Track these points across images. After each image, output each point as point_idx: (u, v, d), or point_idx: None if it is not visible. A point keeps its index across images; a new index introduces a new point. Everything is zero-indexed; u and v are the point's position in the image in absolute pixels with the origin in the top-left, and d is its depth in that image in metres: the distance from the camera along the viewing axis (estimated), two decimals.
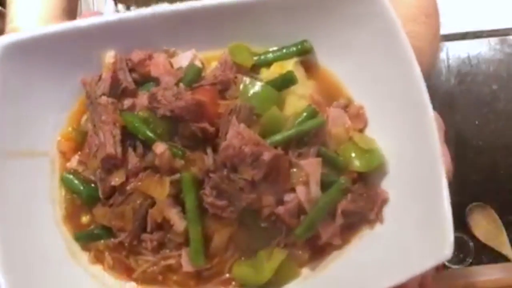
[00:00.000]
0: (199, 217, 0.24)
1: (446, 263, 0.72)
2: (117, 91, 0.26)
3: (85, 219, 0.26)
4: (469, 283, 0.60)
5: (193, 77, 0.26)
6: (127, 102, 0.27)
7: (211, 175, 0.24)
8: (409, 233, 0.24)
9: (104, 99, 0.25)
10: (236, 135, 0.23)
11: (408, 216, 0.25)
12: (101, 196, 0.25)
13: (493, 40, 0.83)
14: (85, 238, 0.26)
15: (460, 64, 0.82)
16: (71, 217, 0.26)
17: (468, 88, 0.81)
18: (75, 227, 0.26)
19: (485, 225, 0.73)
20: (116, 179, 0.25)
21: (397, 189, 0.24)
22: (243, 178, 0.23)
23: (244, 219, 0.24)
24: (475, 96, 0.80)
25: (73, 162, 0.26)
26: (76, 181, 0.26)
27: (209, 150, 0.25)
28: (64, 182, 0.26)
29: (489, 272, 0.68)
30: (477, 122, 0.79)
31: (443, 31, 0.85)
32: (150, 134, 0.25)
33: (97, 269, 0.24)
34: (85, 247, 0.26)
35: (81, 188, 0.26)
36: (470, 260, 0.71)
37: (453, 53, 0.83)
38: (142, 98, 0.26)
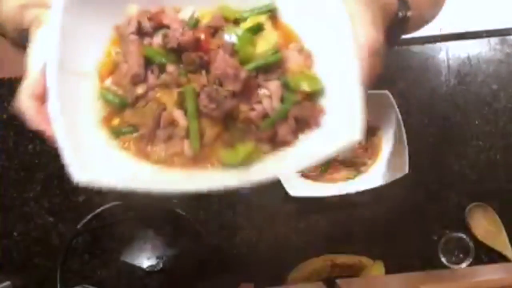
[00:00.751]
0: (196, 117, 0.35)
1: (446, 263, 0.72)
2: (140, 33, 0.37)
3: (115, 121, 0.36)
4: (469, 283, 0.60)
5: (193, 24, 0.37)
6: (146, 40, 0.38)
7: (205, 88, 0.35)
8: (335, 128, 0.35)
9: (132, 36, 0.37)
10: (222, 61, 0.35)
11: (335, 118, 0.36)
12: (129, 101, 0.36)
13: (493, 40, 0.83)
14: (117, 134, 0.36)
15: (460, 64, 0.82)
16: (106, 120, 0.36)
17: (468, 88, 0.81)
18: (108, 127, 0.36)
19: (485, 225, 0.74)
20: (139, 90, 0.36)
21: (329, 103, 0.36)
22: (227, 90, 0.35)
23: (227, 121, 0.35)
24: (475, 96, 0.80)
25: (107, 83, 0.37)
26: (110, 94, 0.36)
27: (203, 72, 0.36)
28: (101, 95, 0.36)
29: (489, 272, 0.68)
30: (477, 122, 0.79)
31: (444, 31, 0.86)
32: (164, 60, 0.37)
33: (126, 154, 0.35)
34: (116, 140, 0.36)
35: (114, 98, 0.36)
36: (470, 260, 0.71)
37: (453, 53, 0.83)
38: (158, 38, 0.37)
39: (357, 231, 0.75)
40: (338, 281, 0.61)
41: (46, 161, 0.79)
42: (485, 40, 0.83)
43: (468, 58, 0.82)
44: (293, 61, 0.37)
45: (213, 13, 0.38)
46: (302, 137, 0.36)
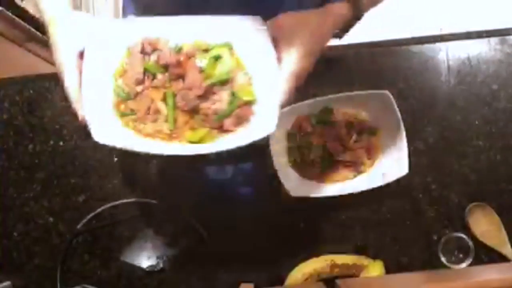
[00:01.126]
0: (173, 109, 0.53)
1: (446, 263, 0.72)
2: (143, 52, 0.56)
3: (122, 107, 0.55)
4: (469, 283, 0.60)
5: (177, 50, 0.56)
6: (146, 57, 0.56)
7: (180, 91, 0.54)
8: (260, 124, 0.52)
9: (137, 54, 0.55)
10: (192, 76, 0.54)
11: (261, 118, 0.53)
12: (132, 95, 0.54)
13: (493, 40, 0.83)
14: (122, 114, 0.54)
15: (460, 64, 0.82)
16: (116, 105, 0.54)
17: (468, 88, 0.81)
18: (117, 110, 0.54)
19: (485, 225, 0.74)
20: (139, 89, 0.55)
21: (258, 108, 0.54)
22: (194, 94, 0.53)
23: (192, 113, 0.54)
24: (475, 96, 0.80)
25: (119, 82, 0.55)
26: (120, 89, 0.55)
27: (180, 80, 0.55)
28: (115, 89, 0.54)
29: (489, 272, 0.68)
30: (477, 122, 0.79)
31: (444, 31, 0.86)
32: (156, 71, 0.55)
33: (127, 128, 0.53)
34: (122, 118, 0.54)
35: (122, 92, 0.55)
36: (470, 260, 0.71)
37: (453, 53, 0.83)
38: (154, 57, 0.56)
39: (357, 231, 0.75)
40: (338, 281, 0.61)
41: (46, 161, 0.80)
42: (485, 40, 0.83)
43: (468, 58, 0.82)
44: (239, 80, 0.55)
45: (191, 45, 0.56)
46: (239, 128, 0.53)
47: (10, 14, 1.26)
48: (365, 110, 0.77)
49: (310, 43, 0.52)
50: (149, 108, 0.54)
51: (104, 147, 0.76)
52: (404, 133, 0.72)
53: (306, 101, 0.75)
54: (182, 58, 0.55)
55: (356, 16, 0.56)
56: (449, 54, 0.83)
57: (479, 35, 0.84)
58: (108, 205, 0.77)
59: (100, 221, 0.77)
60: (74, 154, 0.80)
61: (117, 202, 0.77)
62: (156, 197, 0.77)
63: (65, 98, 0.82)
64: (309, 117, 0.77)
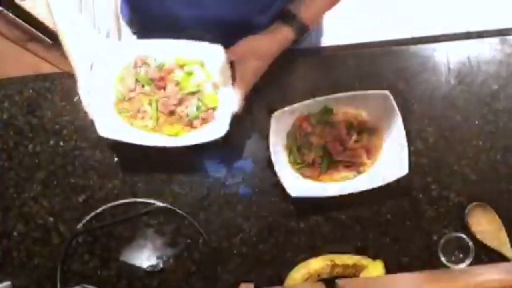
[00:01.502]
0: (156, 111, 0.72)
1: (446, 263, 0.72)
2: (135, 67, 0.74)
3: (120, 106, 0.73)
4: (469, 283, 0.60)
5: (160, 66, 0.74)
6: (138, 71, 0.74)
7: (161, 99, 0.72)
8: (220, 123, 0.71)
9: (131, 68, 0.74)
10: (171, 87, 0.73)
11: (220, 119, 0.72)
12: (126, 98, 0.73)
13: (493, 40, 0.83)
14: (120, 111, 0.73)
15: (460, 64, 0.82)
16: (116, 105, 0.73)
17: (468, 88, 0.81)
18: (116, 108, 0.73)
19: (485, 225, 0.74)
20: (132, 95, 0.73)
21: (219, 112, 0.73)
22: (171, 102, 0.72)
23: (170, 114, 0.73)
24: (475, 96, 0.80)
25: (119, 87, 0.74)
26: (119, 93, 0.73)
27: (162, 90, 0.73)
28: (115, 92, 0.73)
29: (489, 272, 0.68)
30: (477, 122, 0.79)
31: (444, 31, 0.86)
32: (144, 82, 0.73)
33: (124, 122, 0.73)
34: (120, 115, 0.73)
35: (120, 95, 0.73)
36: (470, 260, 0.71)
37: (453, 53, 0.83)
38: (142, 70, 0.74)
39: (357, 231, 0.75)
40: (338, 281, 0.61)
41: (46, 161, 0.80)
42: (485, 40, 0.83)
43: (468, 58, 0.82)
44: (206, 90, 0.74)
45: (172, 60, 0.73)
46: (204, 126, 0.73)
47: (10, 14, 1.26)
48: (365, 110, 0.77)
49: (259, 65, 0.70)
50: (139, 109, 0.73)
51: (104, 147, 0.77)
52: (404, 133, 0.72)
53: (306, 101, 0.74)
54: (163, 74, 0.73)
55: (300, 35, 0.71)
56: (449, 54, 0.83)
57: (479, 35, 0.84)
58: (108, 205, 0.77)
59: (100, 221, 0.77)
60: (74, 154, 0.80)
61: (117, 202, 0.77)
62: (156, 197, 0.77)
63: (65, 98, 0.83)
64: (309, 117, 0.77)
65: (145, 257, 0.75)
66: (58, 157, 0.80)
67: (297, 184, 0.74)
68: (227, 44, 0.81)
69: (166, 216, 0.76)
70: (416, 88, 0.81)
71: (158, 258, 0.75)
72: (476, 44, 0.83)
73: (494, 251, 0.72)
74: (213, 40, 0.72)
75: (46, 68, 1.40)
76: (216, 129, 0.70)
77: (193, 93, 0.73)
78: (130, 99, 0.73)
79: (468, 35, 0.84)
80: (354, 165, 0.76)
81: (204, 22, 0.76)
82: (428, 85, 0.81)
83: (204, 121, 0.72)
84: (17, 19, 1.30)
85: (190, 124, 0.72)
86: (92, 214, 0.76)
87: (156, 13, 0.78)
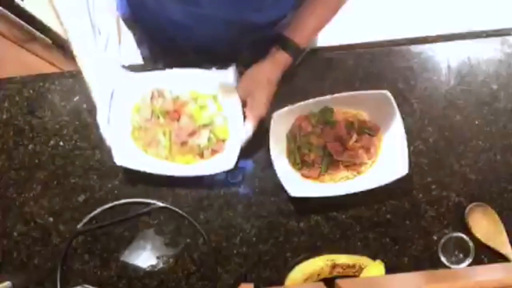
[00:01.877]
0: (169, 141, 0.76)
1: (446, 263, 0.72)
2: (152, 99, 0.78)
3: (136, 134, 0.77)
4: (469, 283, 0.60)
5: (175, 99, 0.78)
6: (154, 102, 0.78)
7: (175, 130, 0.76)
8: (228, 155, 0.76)
9: (148, 100, 0.78)
10: (184, 119, 0.76)
11: (230, 150, 0.76)
12: (142, 128, 0.77)
13: (493, 40, 0.83)
14: (136, 139, 0.77)
15: (460, 64, 0.82)
16: (132, 133, 0.77)
17: (468, 88, 0.81)
18: (133, 136, 0.77)
19: (485, 225, 0.74)
20: (148, 125, 0.77)
21: (229, 142, 0.77)
22: (185, 133, 0.75)
23: (182, 145, 0.76)
24: (475, 96, 0.80)
25: (136, 117, 0.77)
26: (135, 122, 0.77)
27: (176, 122, 0.76)
28: (132, 122, 0.77)
29: (489, 272, 0.68)
30: (477, 122, 0.79)
31: (444, 31, 0.86)
32: (161, 114, 0.77)
33: (139, 150, 0.77)
34: (136, 142, 0.77)
35: (137, 125, 0.77)
36: (470, 260, 0.71)
37: (453, 53, 0.83)
38: (159, 102, 0.78)
39: (357, 231, 0.75)
40: (338, 281, 0.61)
41: (46, 161, 0.80)
42: (485, 40, 0.83)
43: (468, 58, 0.82)
44: (218, 122, 0.77)
45: (187, 94, 0.78)
46: (215, 157, 0.76)
47: (10, 14, 1.26)
48: (365, 110, 0.77)
49: (267, 90, 0.74)
50: (153, 138, 0.76)
51: (104, 147, 0.77)
52: (404, 133, 0.72)
53: (306, 101, 0.75)
54: (178, 106, 0.76)
55: (297, 57, 0.77)
56: (449, 54, 0.83)
57: (479, 35, 0.84)
58: (108, 205, 0.77)
59: (100, 221, 0.77)
60: (74, 154, 0.80)
61: (117, 202, 0.77)
62: (156, 197, 0.77)
63: (65, 98, 0.83)
64: (309, 117, 0.77)
65: (145, 257, 0.75)
66: (58, 157, 0.80)
67: (297, 184, 0.74)
68: (225, 41, 0.82)
69: (166, 216, 0.76)
70: (416, 88, 0.81)
71: (158, 258, 0.75)
72: (476, 44, 0.83)
73: (494, 251, 0.72)
74: (210, 37, 0.77)
75: (46, 68, 1.40)
76: (225, 160, 0.73)
77: (205, 125, 0.75)
78: (145, 128, 0.76)
79: (468, 35, 0.84)
80: (354, 165, 0.76)
81: (201, 20, 0.76)
82: (428, 85, 0.81)
83: (215, 152, 0.75)
84: (17, 19, 1.30)
85: (201, 155, 0.75)
86: (92, 214, 0.76)
87: (153, 12, 0.78)
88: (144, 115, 0.76)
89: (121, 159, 0.72)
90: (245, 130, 0.72)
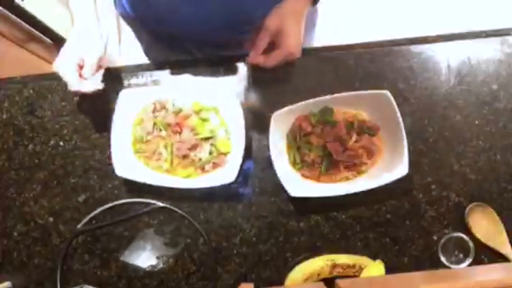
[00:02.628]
0: (171, 154, 0.76)
1: (446, 263, 0.72)
2: (154, 111, 0.79)
3: (137, 146, 0.77)
4: (469, 283, 0.60)
5: (177, 111, 0.78)
6: (156, 115, 0.78)
7: (176, 143, 0.77)
8: (230, 169, 0.75)
9: (150, 113, 0.78)
10: (186, 132, 0.77)
11: (232, 163, 0.75)
12: (144, 140, 0.77)
13: (493, 40, 0.83)
14: (137, 151, 0.77)
15: (460, 64, 0.82)
16: (133, 144, 0.77)
17: (468, 88, 0.81)
18: (133, 148, 0.77)
19: (485, 225, 0.74)
20: (149, 137, 0.77)
21: (231, 156, 0.77)
22: (186, 146, 0.76)
23: (183, 158, 0.77)
24: (475, 96, 0.80)
25: (137, 129, 0.78)
26: (137, 134, 0.78)
27: (178, 135, 0.77)
28: (133, 134, 0.78)
29: (489, 272, 0.68)
30: (477, 122, 0.79)
31: (444, 31, 0.86)
32: (162, 126, 0.78)
33: (139, 162, 0.77)
34: (136, 154, 0.77)
35: (138, 137, 0.77)
36: (470, 260, 0.71)
37: (453, 53, 0.83)
38: (161, 114, 0.79)
39: (357, 231, 0.75)
40: (338, 281, 0.61)
41: (46, 161, 0.80)
42: (485, 40, 0.83)
43: (468, 58, 0.82)
44: (220, 135, 0.77)
45: (189, 105, 0.78)
46: (216, 170, 0.75)
47: (10, 14, 1.26)
48: (365, 110, 0.77)
49: (297, 24, 0.72)
50: (154, 151, 0.76)
51: (104, 147, 0.77)
52: (404, 133, 0.72)
53: (306, 101, 0.74)
54: (180, 120, 0.76)
55: None
56: (449, 54, 0.83)
57: (479, 35, 0.84)
58: (108, 205, 0.77)
59: (100, 221, 0.77)
60: (74, 154, 0.80)
61: (117, 202, 0.77)
62: (156, 197, 0.77)
63: (65, 98, 0.83)
64: (309, 117, 0.77)
65: (145, 257, 0.75)
66: (58, 157, 0.80)
67: (297, 184, 0.74)
68: (224, 36, 0.81)
69: (166, 216, 0.76)
70: (416, 88, 0.81)
71: (158, 258, 0.75)
72: (476, 44, 0.83)
73: (494, 251, 0.72)
74: (210, 32, 0.78)
75: (46, 68, 1.40)
76: (226, 173, 0.72)
77: (207, 139, 0.76)
78: (147, 141, 0.76)
79: (468, 35, 0.84)
80: (354, 165, 0.76)
81: (202, 18, 0.77)
82: (428, 85, 0.81)
83: (216, 165, 0.75)
84: (17, 19, 1.30)
85: (202, 168, 0.75)
86: (92, 214, 0.76)
87: (154, 6, 0.78)
88: (146, 127, 0.76)
89: (121, 170, 0.72)
90: (274, 56, 0.71)
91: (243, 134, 0.73)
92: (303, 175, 0.76)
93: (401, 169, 0.71)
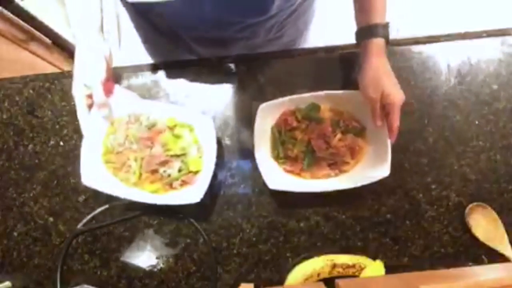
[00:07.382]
0: (139, 168, 0.75)
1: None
2: (127, 123, 0.77)
3: (107, 157, 0.75)
4: (469, 283, 0.60)
5: (151, 125, 0.77)
6: (129, 126, 0.77)
7: (146, 157, 0.75)
8: (200, 185, 0.74)
9: (124, 124, 0.77)
10: (157, 148, 0.75)
11: (202, 179, 0.74)
12: (115, 151, 0.76)
13: (493, 40, 0.83)
14: (107, 162, 0.74)
15: (460, 64, 0.82)
16: (104, 155, 0.75)
17: (468, 88, 0.81)
18: (103, 159, 0.75)
19: (485, 225, 0.74)
20: (120, 149, 0.76)
21: (202, 174, 0.75)
22: (155, 161, 0.75)
23: (153, 173, 0.75)
24: (475, 96, 0.80)
25: (111, 138, 0.76)
26: (108, 145, 0.76)
27: (149, 149, 0.75)
28: (104, 144, 0.75)
29: (489, 272, 0.68)
30: (477, 122, 0.79)
31: (444, 31, 0.86)
32: (134, 139, 0.76)
33: (109, 173, 0.74)
34: (106, 164, 0.75)
35: (109, 147, 0.75)
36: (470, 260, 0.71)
37: (453, 53, 0.83)
38: (134, 127, 0.76)
39: (357, 231, 0.75)
40: (338, 281, 0.61)
41: (46, 161, 0.80)
42: (485, 40, 0.83)
43: (468, 58, 0.82)
44: (193, 154, 0.75)
45: (163, 121, 0.76)
46: (183, 188, 0.74)
47: (10, 14, 1.26)
48: (352, 109, 0.77)
49: (391, 80, 0.71)
50: (124, 163, 0.74)
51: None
52: (387, 136, 0.71)
53: (293, 96, 0.74)
54: (152, 134, 0.75)
55: (388, 34, 0.73)
56: (449, 54, 0.83)
57: (479, 35, 0.84)
58: (108, 205, 0.77)
59: (100, 221, 0.77)
60: (74, 154, 0.80)
61: (117, 202, 0.77)
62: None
63: (65, 98, 0.83)
64: (296, 112, 0.76)
65: (145, 257, 0.75)
66: (58, 157, 0.80)
67: (277, 177, 0.74)
68: (226, 40, 0.81)
69: (166, 216, 0.76)
70: (416, 88, 0.81)
71: (158, 258, 0.75)
72: (476, 44, 0.83)
73: (494, 251, 0.72)
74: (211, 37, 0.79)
75: (46, 68, 1.40)
76: (194, 193, 0.71)
77: (178, 156, 0.74)
78: (118, 152, 0.74)
79: (468, 35, 0.84)
80: (336, 163, 0.75)
81: (205, 22, 0.77)
82: (428, 85, 0.81)
83: (184, 183, 0.74)
84: (17, 19, 1.30)
85: (170, 185, 0.73)
86: (92, 214, 0.76)
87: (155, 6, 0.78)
88: (118, 138, 0.75)
89: (88, 179, 0.70)
90: (394, 120, 0.68)
91: (214, 154, 0.72)
92: (285, 170, 0.76)
93: (382, 171, 0.70)
